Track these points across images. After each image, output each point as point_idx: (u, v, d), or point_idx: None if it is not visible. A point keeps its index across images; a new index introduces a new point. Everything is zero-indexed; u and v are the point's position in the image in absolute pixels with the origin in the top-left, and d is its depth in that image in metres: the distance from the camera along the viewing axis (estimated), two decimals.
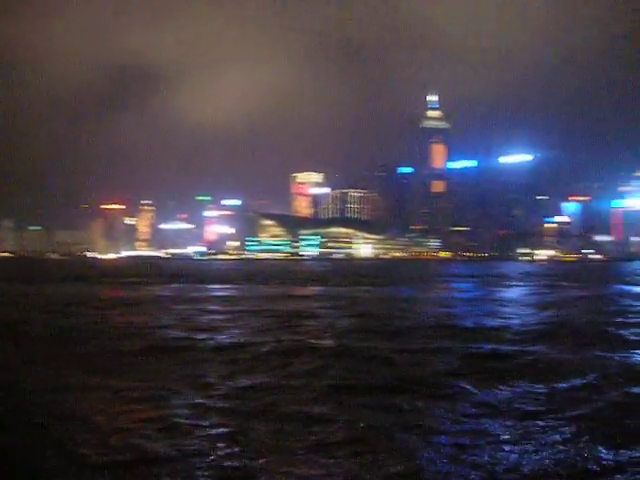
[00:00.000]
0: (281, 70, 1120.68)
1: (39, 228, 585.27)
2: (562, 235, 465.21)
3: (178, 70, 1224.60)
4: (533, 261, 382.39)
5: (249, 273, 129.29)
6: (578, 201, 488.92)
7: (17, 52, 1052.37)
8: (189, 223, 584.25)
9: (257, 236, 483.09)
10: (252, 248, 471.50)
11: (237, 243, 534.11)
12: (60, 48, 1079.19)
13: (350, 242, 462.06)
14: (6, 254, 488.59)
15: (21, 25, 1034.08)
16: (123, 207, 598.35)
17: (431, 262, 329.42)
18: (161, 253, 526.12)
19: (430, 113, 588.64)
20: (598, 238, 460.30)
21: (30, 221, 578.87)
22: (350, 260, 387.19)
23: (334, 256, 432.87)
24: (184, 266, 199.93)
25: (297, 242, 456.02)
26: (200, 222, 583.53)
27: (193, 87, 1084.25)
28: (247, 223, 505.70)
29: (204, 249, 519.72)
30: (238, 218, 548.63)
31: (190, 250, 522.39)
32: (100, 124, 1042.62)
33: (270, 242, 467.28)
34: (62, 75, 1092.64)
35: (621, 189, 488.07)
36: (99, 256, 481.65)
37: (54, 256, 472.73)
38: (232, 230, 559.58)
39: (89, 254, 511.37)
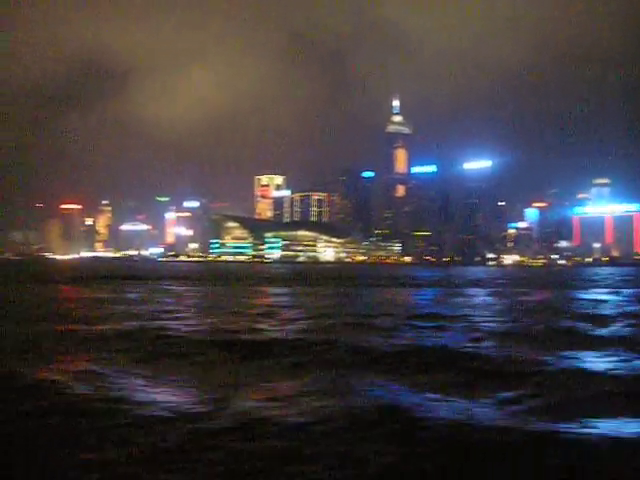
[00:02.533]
0: (246, 71, 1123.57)
1: None
2: (524, 240, 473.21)
3: (141, 69, 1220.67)
4: (500, 266, 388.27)
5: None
6: (538, 207, 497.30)
7: None
8: (148, 224, 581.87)
9: (219, 238, 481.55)
10: (216, 250, 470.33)
11: (196, 245, 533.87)
12: (16, 45, 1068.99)
13: (313, 245, 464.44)
14: None
15: None
16: (80, 207, 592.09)
17: (397, 266, 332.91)
18: (120, 254, 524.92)
19: (394, 118, 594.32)
20: (561, 244, 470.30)
21: None
22: (314, 263, 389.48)
23: (298, 259, 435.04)
24: (167, 268, 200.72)
25: (262, 245, 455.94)
26: (159, 223, 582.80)
27: (157, 87, 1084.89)
28: (209, 225, 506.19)
29: (162, 251, 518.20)
30: (198, 220, 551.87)
31: (150, 252, 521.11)
32: (59, 123, 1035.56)
33: (234, 245, 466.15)
34: (18, 73, 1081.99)
35: (580, 196, 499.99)
36: (57, 256, 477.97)
37: (8, 256, 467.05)
38: (190, 232, 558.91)
39: (46, 254, 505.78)
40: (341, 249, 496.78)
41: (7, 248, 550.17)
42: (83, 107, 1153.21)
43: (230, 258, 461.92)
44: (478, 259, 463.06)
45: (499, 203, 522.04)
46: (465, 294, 68.64)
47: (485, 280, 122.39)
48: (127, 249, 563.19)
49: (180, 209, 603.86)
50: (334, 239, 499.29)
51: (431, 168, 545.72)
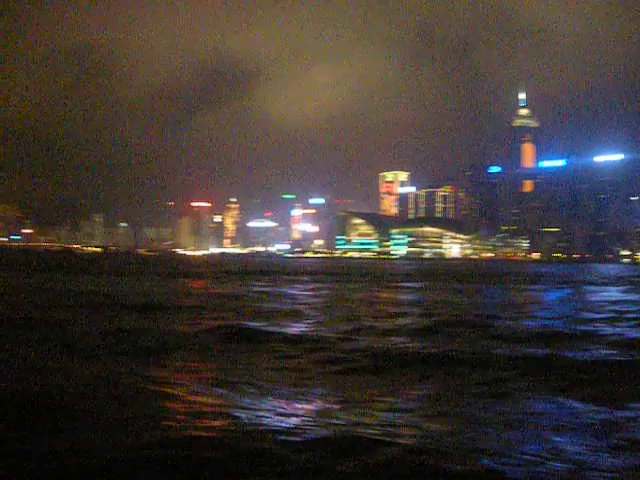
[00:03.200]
0: (369, 67, 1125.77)
1: (126, 225, 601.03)
2: None
3: (266, 68, 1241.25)
4: (635, 263, 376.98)
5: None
6: None
7: (107, 50, 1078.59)
8: (274, 221, 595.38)
9: (345, 235, 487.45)
10: (341, 247, 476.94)
11: (322, 241, 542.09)
12: (149, 49, 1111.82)
13: (439, 242, 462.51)
14: (96, 249, 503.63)
15: (110, 28, 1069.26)
16: (209, 205, 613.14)
17: (525, 263, 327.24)
18: (247, 250, 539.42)
19: (520, 111, 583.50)
20: None
21: (119, 218, 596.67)
22: (442, 260, 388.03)
23: (424, 256, 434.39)
24: (307, 264, 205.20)
25: (387, 241, 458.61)
26: (285, 220, 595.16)
27: (281, 85, 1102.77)
28: (335, 221, 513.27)
29: (289, 247, 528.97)
30: (324, 216, 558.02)
31: (276, 248, 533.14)
32: (187, 122, 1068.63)
33: (359, 241, 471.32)
34: (150, 76, 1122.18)
35: None
36: (187, 252, 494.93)
37: (142, 252, 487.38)
38: (316, 228, 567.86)
39: (177, 250, 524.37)
40: (467, 245, 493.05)
41: (140, 244, 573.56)
42: (212, 107, 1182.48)
43: (356, 254, 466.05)
44: (610, 256, 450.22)
45: (632, 198, 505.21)
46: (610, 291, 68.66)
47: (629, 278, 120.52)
48: (254, 245, 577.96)
49: (305, 206, 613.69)
50: (460, 235, 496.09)
51: (560, 162, 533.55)
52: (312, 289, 66.07)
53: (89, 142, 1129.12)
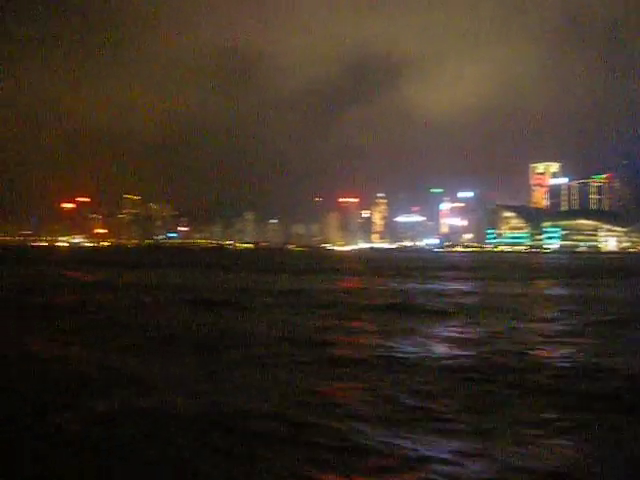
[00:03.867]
0: (515, 56, 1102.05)
1: (276, 221, 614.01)
2: None
3: (412, 62, 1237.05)
4: None
5: None
6: None
7: (253, 51, 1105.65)
8: (422, 215, 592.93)
9: (495, 228, 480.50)
10: (492, 241, 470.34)
11: (471, 235, 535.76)
12: (293, 45, 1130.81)
13: (594, 235, 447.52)
14: (248, 245, 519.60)
15: (256, 25, 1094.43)
16: (357, 200, 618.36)
17: None
18: (395, 245, 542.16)
19: None
20: None
21: (269, 214, 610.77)
22: (598, 254, 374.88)
23: (578, 249, 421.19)
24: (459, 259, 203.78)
25: (539, 234, 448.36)
26: (433, 214, 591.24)
27: (426, 78, 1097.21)
28: (484, 215, 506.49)
29: (438, 241, 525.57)
30: (472, 210, 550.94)
31: (425, 242, 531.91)
32: (334, 119, 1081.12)
33: (510, 234, 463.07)
34: (296, 72, 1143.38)
35: None
36: (335, 248, 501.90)
37: (292, 247, 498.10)
38: (465, 222, 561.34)
39: (326, 246, 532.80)
40: (625, 238, 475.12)
41: (290, 240, 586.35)
42: (359, 103, 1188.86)
43: (507, 248, 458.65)
44: None
45: None
46: None
47: None
48: (402, 240, 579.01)
49: (454, 200, 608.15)
50: (617, 228, 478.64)
51: None
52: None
53: (240, 141, 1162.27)
